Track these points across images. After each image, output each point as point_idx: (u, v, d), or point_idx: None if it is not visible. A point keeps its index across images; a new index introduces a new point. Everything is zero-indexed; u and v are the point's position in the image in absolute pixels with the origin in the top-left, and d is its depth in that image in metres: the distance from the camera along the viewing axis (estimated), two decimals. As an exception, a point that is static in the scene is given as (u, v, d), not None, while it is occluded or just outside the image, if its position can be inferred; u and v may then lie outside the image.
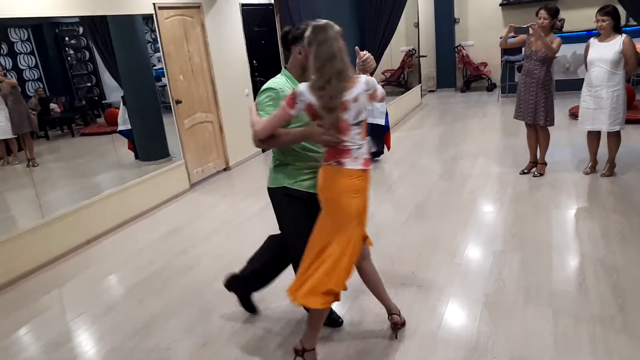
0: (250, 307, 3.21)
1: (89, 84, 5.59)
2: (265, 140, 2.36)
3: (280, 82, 2.50)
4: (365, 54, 2.53)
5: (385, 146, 6.24)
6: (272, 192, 2.67)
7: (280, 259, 2.97)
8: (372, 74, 2.53)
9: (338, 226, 2.40)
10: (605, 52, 4.55)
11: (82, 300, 3.66)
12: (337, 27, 2.27)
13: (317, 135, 2.31)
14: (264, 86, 2.49)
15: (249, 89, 7.07)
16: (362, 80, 2.29)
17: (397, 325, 2.84)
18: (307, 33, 2.29)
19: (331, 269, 2.38)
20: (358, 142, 2.35)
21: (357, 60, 2.55)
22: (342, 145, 2.32)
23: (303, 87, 2.26)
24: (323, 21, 2.29)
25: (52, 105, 5.16)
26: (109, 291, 3.82)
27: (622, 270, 3.24)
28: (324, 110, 2.24)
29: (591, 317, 2.81)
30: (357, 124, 2.32)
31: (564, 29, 4.89)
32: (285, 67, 2.60)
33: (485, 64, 10.64)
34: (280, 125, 2.33)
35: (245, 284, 3.12)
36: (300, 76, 2.52)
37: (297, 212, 2.60)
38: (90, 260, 4.34)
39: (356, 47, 2.61)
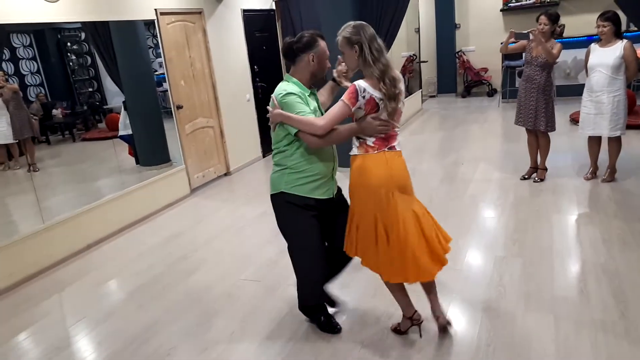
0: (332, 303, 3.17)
1: (90, 89, 5.61)
2: (325, 136, 2.48)
3: (293, 87, 2.58)
4: (340, 67, 2.71)
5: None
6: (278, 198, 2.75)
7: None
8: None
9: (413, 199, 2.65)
10: (606, 57, 4.55)
11: (82, 305, 3.65)
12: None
13: (373, 127, 2.47)
14: (283, 93, 2.55)
15: (250, 94, 7.09)
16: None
17: (442, 327, 2.85)
18: (350, 33, 2.49)
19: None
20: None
21: (337, 68, 2.72)
22: (393, 131, 2.56)
23: (363, 83, 2.44)
24: (358, 22, 2.52)
25: (55, 112, 5.18)
26: (109, 296, 3.82)
27: (624, 276, 3.23)
28: (388, 100, 2.44)
29: (593, 322, 2.80)
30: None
31: (564, 35, 4.88)
32: (289, 74, 2.67)
33: (486, 70, 10.66)
34: (342, 120, 2.48)
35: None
36: (309, 82, 2.64)
37: (301, 220, 2.69)
38: (91, 265, 4.34)
39: (339, 57, 2.70)
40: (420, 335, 2.85)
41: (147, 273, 4.04)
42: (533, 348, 2.65)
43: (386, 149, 2.54)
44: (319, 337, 2.96)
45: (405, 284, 2.75)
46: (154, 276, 3.97)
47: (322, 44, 2.63)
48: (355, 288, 3.44)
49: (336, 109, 2.46)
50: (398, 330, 2.89)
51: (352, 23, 2.53)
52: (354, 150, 2.59)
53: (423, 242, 2.56)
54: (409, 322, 2.85)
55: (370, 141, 2.53)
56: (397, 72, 2.50)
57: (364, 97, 2.43)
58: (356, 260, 2.80)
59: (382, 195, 2.52)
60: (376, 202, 2.53)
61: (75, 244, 4.55)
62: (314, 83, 2.68)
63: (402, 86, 2.53)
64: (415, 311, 2.84)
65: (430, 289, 2.82)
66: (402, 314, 2.87)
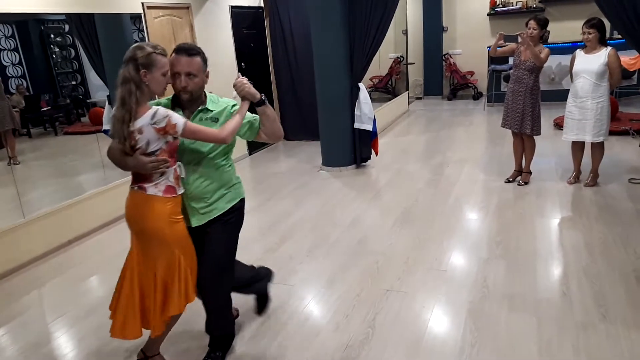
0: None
1: (73, 82, 5.51)
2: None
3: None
4: (237, 79, 2.48)
5: (373, 151, 6.26)
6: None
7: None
8: (257, 104, 2.47)
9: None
10: (590, 63, 4.62)
11: (62, 302, 3.59)
12: (139, 53, 2.21)
13: (142, 163, 2.30)
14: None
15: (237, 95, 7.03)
16: (147, 114, 2.21)
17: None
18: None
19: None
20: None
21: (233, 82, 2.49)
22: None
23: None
24: (141, 43, 2.28)
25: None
26: (91, 293, 3.76)
27: (605, 279, 3.27)
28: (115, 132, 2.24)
29: (575, 325, 2.83)
30: (149, 154, 2.28)
31: (549, 41, 4.94)
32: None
33: (472, 73, 10.75)
34: None
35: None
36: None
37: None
38: (72, 261, 4.26)
39: (238, 72, 2.55)
40: None
41: (130, 270, 3.98)
42: (516, 349, 2.68)
43: (135, 187, 2.41)
44: (305, 334, 2.94)
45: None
46: (136, 273, 3.92)
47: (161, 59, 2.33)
48: (343, 289, 3.44)
49: None
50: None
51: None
52: None
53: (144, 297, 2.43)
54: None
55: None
56: (125, 114, 2.18)
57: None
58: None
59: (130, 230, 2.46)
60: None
61: (57, 239, 4.47)
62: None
63: (134, 127, 2.20)
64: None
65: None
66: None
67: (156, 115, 2.20)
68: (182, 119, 2.27)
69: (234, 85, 2.47)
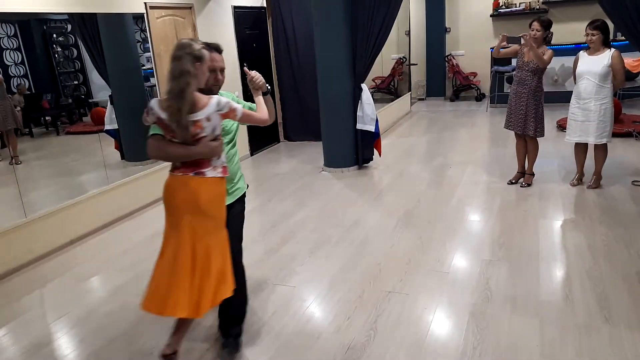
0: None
1: (75, 82, 5.51)
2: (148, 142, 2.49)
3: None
4: (252, 74, 2.68)
5: (376, 152, 6.25)
6: None
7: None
8: (265, 93, 2.69)
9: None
10: (594, 65, 4.60)
11: (64, 302, 3.58)
12: (195, 47, 2.33)
13: (212, 148, 2.43)
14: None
15: (239, 91, 7.03)
16: (212, 103, 2.37)
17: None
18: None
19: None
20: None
21: (247, 79, 2.69)
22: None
23: (153, 102, 2.39)
24: (186, 39, 2.39)
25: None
26: (92, 293, 3.75)
27: (608, 282, 3.26)
28: (174, 125, 2.33)
29: (577, 328, 2.82)
30: (215, 139, 2.44)
31: (552, 42, 4.92)
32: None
33: (474, 74, 10.73)
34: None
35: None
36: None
37: None
38: (74, 261, 4.26)
39: (245, 68, 2.82)
40: None
41: (131, 270, 3.98)
42: (519, 352, 2.66)
43: (192, 174, 2.44)
44: (307, 335, 2.93)
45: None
46: (138, 273, 3.91)
47: (205, 53, 2.45)
48: (345, 289, 3.43)
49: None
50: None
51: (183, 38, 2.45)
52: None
53: (195, 276, 2.42)
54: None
55: (178, 163, 2.48)
56: (189, 104, 2.30)
57: (153, 114, 2.38)
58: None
59: (175, 215, 2.53)
60: (170, 221, 2.56)
61: (58, 239, 4.46)
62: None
63: (200, 116, 2.34)
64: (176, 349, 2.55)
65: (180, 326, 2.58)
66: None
67: (220, 103, 2.40)
68: (239, 105, 2.51)
69: (252, 78, 2.68)
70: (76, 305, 3.51)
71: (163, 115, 2.34)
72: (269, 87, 2.75)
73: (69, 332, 3.19)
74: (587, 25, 4.64)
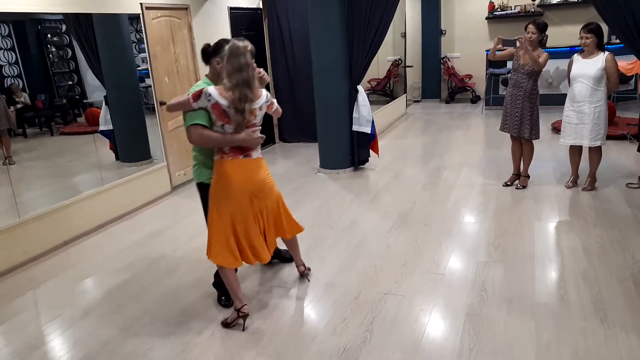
0: (287, 258, 3.79)
1: (70, 83, 5.48)
2: (197, 132, 2.84)
3: (200, 85, 2.96)
4: (259, 71, 2.98)
5: (372, 153, 6.25)
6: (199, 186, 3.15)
7: None
8: (267, 88, 3.19)
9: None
10: (588, 68, 4.62)
11: (57, 303, 3.55)
12: (248, 45, 2.80)
13: (253, 138, 2.88)
14: (190, 89, 2.95)
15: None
16: (264, 94, 2.92)
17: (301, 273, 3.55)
18: (224, 48, 2.81)
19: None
20: None
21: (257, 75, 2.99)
22: None
23: (212, 89, 2.76)
24: (235, 39, 2.82)
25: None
26: (86, 294, 3.73)
27: (603, 284, 3.27)
28: (235, 110, 2.75)
29: (573, 329, 2.82)
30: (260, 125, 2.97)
31: (547, 45, 4.94)
32: (206, 76, 3.08)
33: (470, 76, 10.76)
34: (181, 108, 2.86)
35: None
36: (217, 81, 2.94)
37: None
38: (67, 262, 4.23)
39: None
40: (243, 329, 3.02)
41: (126, 271, 3.95)
42: (515, 353, 2.66)
43: (241, 156, 2.89)
44: (302, 337, 2.92)
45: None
46: (132, 275, 3.89)
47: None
48: (339, 292, 3.42)
49: (181, 98, 2.84)
50: (225, 323, 3.07)
51: (234, 39, 2.86)
52: (215, 156, 2.93)
53: (269, 232, 3.12)
54: (236, 315, 3.03)
55: (226, 148, 2.87)
56: (255, 93, 2.80)
57: (209, 100, 2.74)
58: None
59: (236, 194, 2.89)
60: (231, 201, 2.89)
61: (52, 240, 4.43)
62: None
63: (256, 105, 2.83)
64: (244, 304, 3.03)
65: (292, 247, 3.48)
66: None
67: (267, 95, 2.96)
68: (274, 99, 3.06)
69: (262, 76, 3.01)
70: (70, 306, 3.49)
71: (223, 101, 2.74)
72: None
73: (62, 334, 3.16)
74: (582, 29, 4.66)
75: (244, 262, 3.05)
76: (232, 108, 2.74)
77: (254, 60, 2.81)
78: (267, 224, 3.10)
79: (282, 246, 3.68)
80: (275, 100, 3.08)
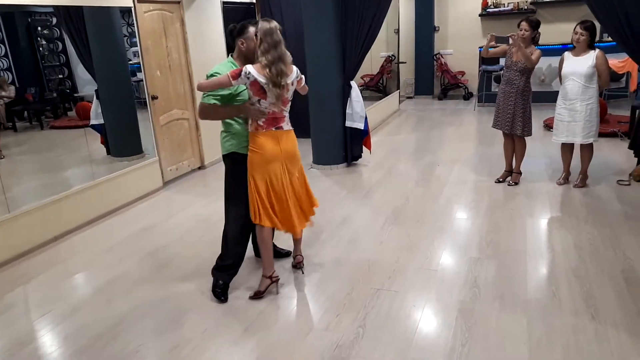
0: (282, 254, 3.84)
1: (60, 76, 5.41)
2: (206, 107, 3.05)
3: (223, 66, 3.10)
4: None
5: (365, 149, 6.25)
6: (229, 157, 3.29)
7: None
8: None
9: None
10: (579, 66, 4.64)
11: (47, 299, 3.52)
12: (277, 24, 2.96)
13: (250, 111, 3.04)
14: (211, 70, 3.08)
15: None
16: (295, 69, 3.10)
17: (297, 264, 3.61)
18: (256, 26, 2.97)
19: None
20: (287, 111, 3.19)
21: None
22: (281, 114, 3.09)
23: (250, 67, 2.91)
24: (265, 18, 2.98)
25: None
26: (76, 290, 3.69)
27: (594, 280, 3.29)
28: (272, 85, 2.93)
29: (564, 326, 2.84)
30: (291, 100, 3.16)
31: (539, 42, 4.95)
32: (231, 56, 3.22)
33: (462, 73, 10.78)
34: (218, 86, 2.96)
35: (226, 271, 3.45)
36: (242, 63, 3.09)
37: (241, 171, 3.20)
38: (58, 258, 4.19)
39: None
40: (277, 293, 3.31)
41: (117, 267, 3.93)
42: (507, 349, 2.68)
43: (274, 128, 3.08)
44: (296, 333, 2.92)
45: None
46: (123, 270, 3.86)
47: (252, 30, 3.05)
48: (335, 288, 3.42)
49: (219, 77, 2.96)
50: (258, 292, 3.29)
51: (261, 19, 3.00)
52: (249, 128, 3.12)
53: (296, 203, 3.26)
54: (269, 281, 3.27)
55: (260, 121, 3.05)
56: (289, 68, 3.00)
57: (248, 78, 2.91)
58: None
59: (271, 163, 3.08)
60: (267, 169, 3.09)
61: (42, 235, 4.39)
62: (250, 62, 3.05)
63: (289, 80, 3.02)
64: (274, 270, 3.30)
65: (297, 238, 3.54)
66: (261, 275, 3.33)
67: (298, 71, 3.13)
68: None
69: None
70: (60, 302, 3.46)
71: (261, 79, 2.90)
72: None
73: (53, 330, 3.13)
74: (579, 24, 4.65)
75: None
76: (269, 84, 2.91)
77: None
78: (298, 195, 3.28)
79: (275, 241, 3.67)
80: (303, 76, 3.22)
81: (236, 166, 3.22)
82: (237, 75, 2.90)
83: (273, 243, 3.60)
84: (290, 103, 3.16)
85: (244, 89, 3.06)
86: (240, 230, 3.32)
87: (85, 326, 3.14)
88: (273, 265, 3.30)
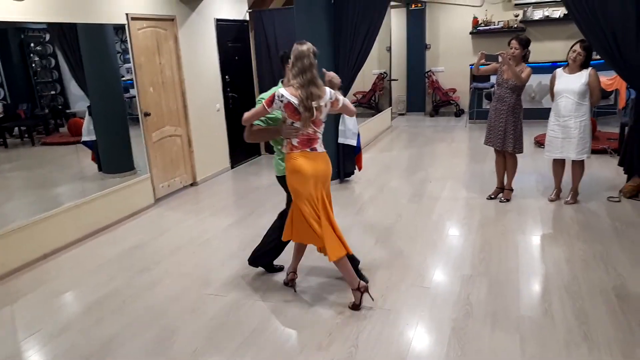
0: (275, 268, 3.90)
1: (53, 92, 5.40)
2: (248, 130, 3.18)
3: (269, 92, 3.18)
4: (330, 75, 3.29)
5: (356, 167, 6.26)
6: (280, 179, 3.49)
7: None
8: (339, 89, 3.30)
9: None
10: (572, 83, 4.69)
11: (36, 318, 3.46)
12: (310, 47, 3.03)
13: (282, 129, 3.12)
14: (259, 96, 3.25)
15: (220, 104, 7.00)
16: (328, 91, 3.12)
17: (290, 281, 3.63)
18: (291, 51, 3.05)
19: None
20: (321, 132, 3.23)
21: (325, 79, 3.25)
22: (315, 135, 3.14)
23: (282, 90, 3.02)
24: (299, 42, 3.05)
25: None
26: (66, 309, 3.64)
27: (586, 297, 3.29)
28: (303, 108, 2.99)
29: (557, 343, 2.83)
30: (324, 121, 3.21)
31: (529, 60, 5.01)
32: (281, 81, 3.34)
33: (454, 90, 10.88)
34: (257, 117, 3.11)
35: (267, 256, 3.78)
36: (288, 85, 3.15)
37: None
38: (47, 276, 4.14)
39: (323, 69, 3.26)
40: (372, 299, 3.28)
41: (107, 285, 3.88)
42: (500, 368, 2.66)
43: (308, 149, 3.14)
44: (288, 353, 2.88)
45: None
46: (113, 289, 3.82)
47: None
48: (336, 300, 3.39)
49: (257, 108, 3.07)
50: (355, 305, 3.27)
51: (296, 42, 3.08)
52: (284, 149, 3.21)
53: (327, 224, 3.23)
54: (359, 293, 3.25)
55: (294, 142, 3.11)
56: (321, 90, 3.05)
57: (281, 101, 3.00)
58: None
59: (310, 183, 3.12)
60: (305, 186, 3.13)
61: (31, 253, 4.34)
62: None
63: (322, 102, 3.05)
64: (360, 280, 3.28)
65: (301, 251, 3.57)
66: (350, 289, 3.30)
67: (331, 92, 3.14)
68: (341, 96, 3.21)
69: (332, 78, 3.27)
70: (49, 322, 3.40)
71: (294, 100, 2.99)
72: (341, 86, 3.41)
73: (40, 350, 3.08)
74: (578, 42, 4.69)
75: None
76: (301, 106, 2.98)
77: (316, 60, 3.03)
78: (330, 216, 3.28)
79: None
80: (341, 97, 3.21)
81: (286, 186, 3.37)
82: (271, 102, 3.00)
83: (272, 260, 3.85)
84: (323, 125, 3.21)
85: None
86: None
87: (74, 346, 3.09)
88: (356, 277, 3.28)
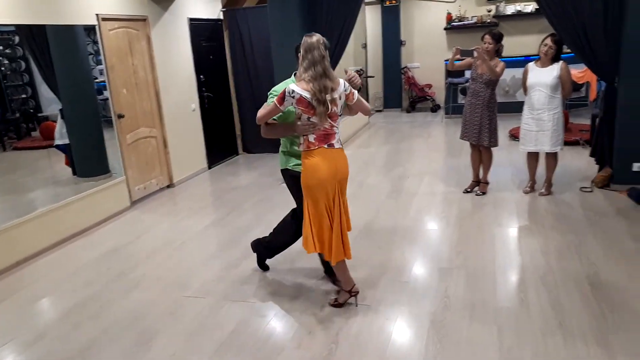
0: (265, 267, 3.91)
1: (24, 96, 5.29)
2: (264, 127, 3.09)
3: (283, 86, 3.04)
4: (351, 74, 3.16)
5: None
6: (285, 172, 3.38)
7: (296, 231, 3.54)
8: (359, 90, 3.18)
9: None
10: (544, 76, 4.77)
11: (10, 326, 3.39)
12: (320, 38, 2.89)
13: (299, 127, 2.96)
14: (271, 90, 3.16)
15: (195, 104, 6.94)
16: (342, 82, 2.97)
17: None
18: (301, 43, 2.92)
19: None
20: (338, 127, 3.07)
21: (344, 78, 3.09)
22: (331, 130, 2.99)
23: (293, 85, 2.88)
24: (309, 34, 2.92)
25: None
26: (41, 315, 3.57)
27: (561, 287, 3.35)
28: (316, 102, 2.84)
29: (533, 333, 2.88)
30: (340, 114, 3.05)
31: (503, 54, 5.08)
32: (294, 74, 3.19)
33: (430, 86, 10.97)
34: (270, 116, 3.00)
35: (270, 251, 3.80)
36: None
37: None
38: (21, 283, 4.05)
39: (345, 69, 3.14)
40: (356, 305, 3.27)
41: (83, 290, 3.82)
42: (478, 358, 2.69)
43: (326, 146, 2.99)
44: (268, 352, 2.88)
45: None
46: (90, 294, 3.76)
47: None
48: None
49: (269, 106, 2.95)
50: (338, 304, 3.27)
51: (306, 34, 2.94)
52: (300, 147, 3.05)
53: (338, 230, 3.10)
54: (348, 295, 3.25)
55: (311, 138, 2.96)
56: (334, 82, 2.91)
57: (293, 97, 2.85)
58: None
59: (326, 184, 2.99)
60: (322, 188, 2.99)
61: (5, 259, 4.24)
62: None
63: (336, 94, 2.92)
64: (355, 284, 3.27)
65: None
66: (341, 289, 3.32)
67: (345, 84, 2.99)
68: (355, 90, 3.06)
69: (351, 78, 3.12)
70: (24, 329, 3.33)
71: (306, 94, 2.84)
72: (361, 87, 3.30)
73: (16, 358, 3.02)
74: (549, 36, 4.76)
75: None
76: (314, 99, 2.84)
77: (328, 52, 2.90)
78: (342, 218, 3.13)
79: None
80: (356, 91, 3.05)
81: (292, 182, 3.31)
82: (282, 100, 2.87)
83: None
84: (339, 118, 3.06)
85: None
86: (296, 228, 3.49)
87: (51, 353, 3.03)
88: (352, 280, 3.26)
